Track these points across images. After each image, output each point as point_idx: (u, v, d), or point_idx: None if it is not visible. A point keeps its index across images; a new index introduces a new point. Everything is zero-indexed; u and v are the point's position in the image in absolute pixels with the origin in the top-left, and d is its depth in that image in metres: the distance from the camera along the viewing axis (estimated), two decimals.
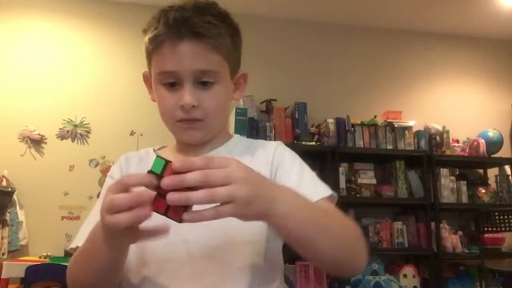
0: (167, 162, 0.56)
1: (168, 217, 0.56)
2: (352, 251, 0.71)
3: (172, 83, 0.81)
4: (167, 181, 0.54)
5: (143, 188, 0.57)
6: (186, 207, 0.56)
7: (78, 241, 0.81)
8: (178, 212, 0.56)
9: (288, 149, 0.91)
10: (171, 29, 0.78)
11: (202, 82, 0.81)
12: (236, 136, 0.97)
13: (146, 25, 0.84)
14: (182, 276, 0.78)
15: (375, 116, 3.69)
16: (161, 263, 0.79)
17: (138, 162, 0.93)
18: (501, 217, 2.74)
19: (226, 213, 0.56)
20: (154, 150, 0.96)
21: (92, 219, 0.84)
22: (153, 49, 0.82)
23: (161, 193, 0.55)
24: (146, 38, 0.83)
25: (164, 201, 0.55)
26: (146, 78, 0.91)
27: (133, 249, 0.79)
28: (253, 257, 0.79)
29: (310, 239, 0.65)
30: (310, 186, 0.81)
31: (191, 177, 0.54)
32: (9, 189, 3.16)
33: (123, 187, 0.58)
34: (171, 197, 0.54)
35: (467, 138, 3.83)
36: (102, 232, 0.63)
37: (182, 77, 0.80)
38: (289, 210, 0.62)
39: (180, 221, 0.56)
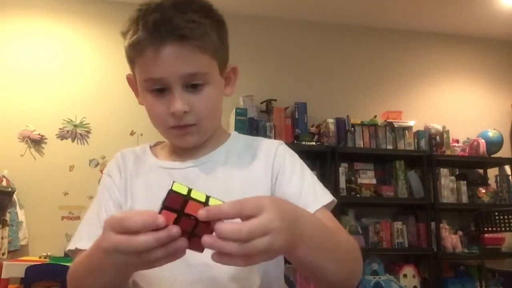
0: (187, 198, 0.53)
1: (191, 249, 0.55)
2: (351, 271, 0.71)
3: (160, 89, 0.77)
4: (208, 241, 0.51)
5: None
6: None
7: (76, 243, 0.79)
8: (199, 245, 0.53)
9: (288, 150, 0.89)
10: (151, 33, 0.73)
11: (192, 85, 0.77)
12: (233, 134, 0.93)
13: (124, 27, 0.78)
14: (178, 284, 0.76)
15: (375, 116, 3.69)
16: (156, 271, 0.76)
17: (135, 160, 0.90)
18: (501, 217, 2.74)
19: (258, 262, 0.54)
20: (150, 147, 0.93)
21: (89, 220, 0.83)
22: (135, 55, 0.76)
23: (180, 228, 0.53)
24: (126, 43, 0.77)
25: (185, 235, 0.54)
26: (131, 81, 0.86)
27: None
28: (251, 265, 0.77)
29: (320, 266, 0.65)
30: (311, 194, 0.81)
31: (230, 233, 0.50)
32: (9, 189, 3.15)
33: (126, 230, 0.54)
34: (207, 240, 0.51)
35: (467, 138, 3.83)
36: (107, 261, 0.58)
37: (169, 82, 0.75)
38: (310, 244, 0.61)
39: (201, 251, 0.55)
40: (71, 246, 0.80)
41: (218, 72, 0.81)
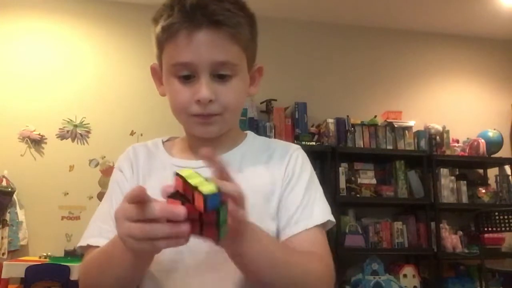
0: (194, 189, 0.54)
1: (203, 237, 0.56)
2: None
3: (187, 75, 0.75)
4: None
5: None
6: (219, 227, 0.54)
7: (87, 239, 0.78)
8: (212, 231, 0.55)
9: (303, 157, 0.87)
10: (187, 16, 0.72)
11: (219, 75, 0.75)
12: (249, 134, 0.91)
13: (156, 14, 0.78)
14: None
15: (375, 116, 3.69)
16: (167, 274, 0.75)
17: (147, 155, 0.87)
18: (501, 217, 2.74)
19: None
20: (163, 142, 0.90)
21: (101, 216, 0.81)
22: (167, 39, 0.75)
23: (192, 218, 0.54)
24: (159, 27, 0.76)
25: (196, 223, 0.54)
26: (154, 71, 0.84)
27: None
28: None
29: (260, 278, 0.66)
30: (307, 210, 0.79)
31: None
32: (9, 189, 3.15)
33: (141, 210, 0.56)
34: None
35: (467, 138, 3.83)
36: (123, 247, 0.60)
37: (198, 69, 0.74)
38: (257, 247, 0.64)
39: (218, 240, 0.55)
40: (82, 243, 0.79)
41: (246, 68, 0.81)
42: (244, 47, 0.78)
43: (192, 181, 0.53)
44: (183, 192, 0.54)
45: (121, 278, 0.67)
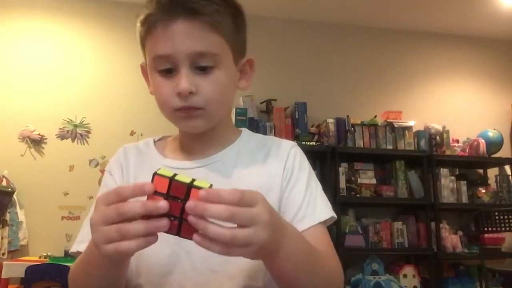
0: (172, 180, 0.53)
1: (181, 237, 0.55)
2: None
3: (168, 69, 0.74)
4: (191, 205, 0.51)
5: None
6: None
7: (78, 245, 0.77)
8: (190, 231, 0.54)
9: (300, 154, 0.86)
10: (163, 8, 0.72)
11: (200, 67, 0.73)
12: (244, 131, 0.89)
13: (140, 11, 0.77)
14: None
15: (375, 116, 3.69)
16: (164, 276, 0.75)
17: (137, 155, 0.86)
18: (501, 217, 2.75)
19: (237, 255, 0.54)
20: (155, 141, 0.89)
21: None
22: (146, 33, 0.75)
23: (171, 215, 0.53)
24: (138, 22, 0.76)
25: (176, 223, 0.54)
26: (144, 69, 0.83)
27: (131, 261, 0.74)
28: (257, 271, 0.75)
29: (299, 283, 0.65)
30: (310, 207, 0.79)
31: (216, 211, 0.51)
32: (9, 189, 3.15)
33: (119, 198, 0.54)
34: (192, 220, 0.52)
35: (467, 138, 3.83)
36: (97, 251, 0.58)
37: (177, 61, 0.72)
38: (289, 255, 0.61)
39: (191, 238, 0.54)
40: (73, 249, 0.78)
41: (231, 60, 0.78)
42: (226, 37, 0.75)
43: (183, 179, 0.53)
44: (166, 191, 0.53)
45: (103, 286, 0.66)
